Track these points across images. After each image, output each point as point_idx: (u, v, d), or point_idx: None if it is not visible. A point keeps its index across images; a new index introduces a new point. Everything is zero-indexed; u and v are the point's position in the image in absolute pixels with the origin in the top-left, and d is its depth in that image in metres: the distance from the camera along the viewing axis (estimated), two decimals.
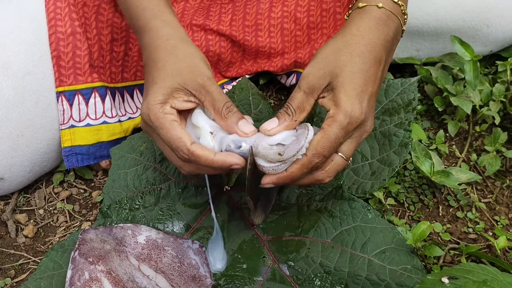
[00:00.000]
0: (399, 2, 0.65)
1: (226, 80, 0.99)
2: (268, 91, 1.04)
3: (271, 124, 0.62)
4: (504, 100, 0.91)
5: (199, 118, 0.64)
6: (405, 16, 0.67)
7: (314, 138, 0.59)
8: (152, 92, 0.62)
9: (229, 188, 0.78)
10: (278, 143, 0.61)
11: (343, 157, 0.62)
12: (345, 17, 0.68)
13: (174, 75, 0.63)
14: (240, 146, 0.62)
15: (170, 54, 0.64)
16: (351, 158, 0.64)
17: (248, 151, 0.62)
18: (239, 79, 0.94)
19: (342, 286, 0.65)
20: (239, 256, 0.71)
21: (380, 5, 0.64)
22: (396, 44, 0.68)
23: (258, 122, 0.84)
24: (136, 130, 0.90)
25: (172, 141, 0.61)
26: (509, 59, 0.92)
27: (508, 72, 0.93)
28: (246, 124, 0.63)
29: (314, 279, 0.67)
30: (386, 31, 0.64)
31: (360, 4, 0.65)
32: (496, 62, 0.96)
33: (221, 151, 0.62)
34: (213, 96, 0.63)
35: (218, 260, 0.71)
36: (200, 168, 0.64)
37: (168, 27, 0.68)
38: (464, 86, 0.92)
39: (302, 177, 0.62)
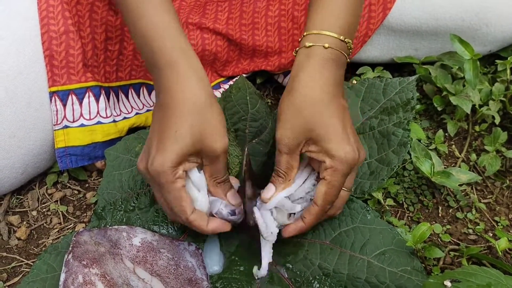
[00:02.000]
0: (345, 40, 0.65)
1: (222, 79, 0.98)
2: (265, 90, 1.03)
3: (269, 192, 0.65)
4: (503, 99, 0.90)
5: (199, 177, 0.65)
6: (350, 51, 0.67)
7: (319, 189, 0.62)
8: (170, 149, 0.60)
9: None
10: (276, 207, 0.65)
11: (346, 190, 0.66)
12: (293, 53, 0.68)
13: (197, 139, 0.61)
14: (234, 214, 0.66)
15: (198, 114, 0.61)
16: (352, 188, 0.68)
17: (238, 219, 0.67)
18: (236, 78, 0.93)
19: None
20: (236, 258, 0.70)
21: (327, 45, 0.64)
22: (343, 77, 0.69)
23: (255, 121, 0.83)
24: (131, 130, 0.88)
25: (174, 206, 0.62)
26: (509, 58, 0.91)
27: (508, 71, 0.92)
28: (234, 196, 0.67)
29: (312, 281, 0.66)
30: (335, 69, 0.65)
31: (307, 44, 0.65)
32: (496, 61, 0.95)
33: (210, 211, 0.66)
34: (218, 168, 0.64)
35: (214, 262, 0.70)
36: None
37: (196, 76, 0.63)
38: (464, 85, 0.91)
39: (316, 223, 0.66)
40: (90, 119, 0.84)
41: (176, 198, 0.61)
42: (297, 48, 0.67)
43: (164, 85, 0.63)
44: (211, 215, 0.67)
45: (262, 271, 0.67)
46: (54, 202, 0.86)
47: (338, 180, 0.61)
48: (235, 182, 0.70)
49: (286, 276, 0.67)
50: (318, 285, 0.65)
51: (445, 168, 0.81)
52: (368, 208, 0.70)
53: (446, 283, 0.49)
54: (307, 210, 0.64)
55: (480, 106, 0.91)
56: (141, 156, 0.64)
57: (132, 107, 0.91)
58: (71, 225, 0.82)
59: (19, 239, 0.81)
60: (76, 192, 0.87)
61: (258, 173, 0.78)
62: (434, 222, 0.78)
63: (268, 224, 0.65)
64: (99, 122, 0.84)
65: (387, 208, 0.79)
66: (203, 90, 0.62)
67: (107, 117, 0.85)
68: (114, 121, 0.86)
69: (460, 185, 0.81)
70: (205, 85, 0.63)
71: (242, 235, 0.72)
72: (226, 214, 0.66)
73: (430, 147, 0.88)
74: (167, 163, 0.59)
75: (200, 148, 0.61)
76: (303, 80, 0.64)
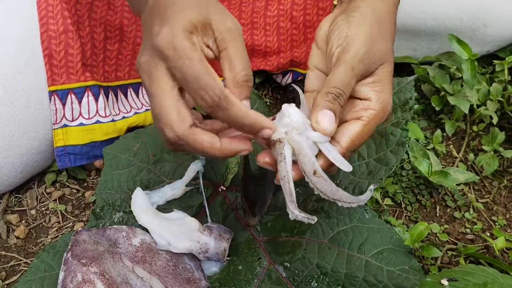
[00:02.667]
0: None
1: (221, 79, 0.98)
2: (264, 90, 1.03)
3: (331, 121, 0.52)
4: (501, 99, 0.91)
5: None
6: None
7: (350, 128, 0.52)
8: (175, 19, 0.48)
9: (224, 189, 0.77)
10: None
11: None
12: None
13: (201, 6, 0.49)
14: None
15: None
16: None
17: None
18: None
19: (339, 287, 0.64)
20: (235, 258, 0.70)
21: None
22: None
23: None
24: (130, 130, 0.88)
25: (200, 76, 0.47)
26: (506, 58, 0.91)
27: (506, 71, 0.92)
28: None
29: (310, 280, 0.66)
30: (394, 9, 0.60)
31: None
32: (494, 61, 0.95)
33: None
34: (238, 49, 0.51)
35: (213, 264, 0.70)
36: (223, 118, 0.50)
37: None
38: (462, 86, 0.92)
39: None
40: (89, 118, 0.84)
41: (200, 63, 0.47)
42: None
43: None
44: None
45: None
46: (53, 201, 0.86)
47: (373, 126, 0.54)
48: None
49: (284, 275, 0.67)
50: (316, 284, 0.65)
51: (443, 168, 0.81)
52: (366, 208, 0.70)
53: (443, 282, 0.50)
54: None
55: (478, 106, 0.91)
56: (141, 51, 0.51)
57: (131, 106, 0.92)
58: (69, 224, 0.82)
59: (17, 238, 0.81)
60: (75, 191, 0.88)
61: (257, 173, 0.78)
62: (431, 222, 0.79)
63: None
64: (98, 122, 0.84)
65: (385, 207, 0.79)
66: None
67: (106, 116, 0.85)
68: (113, 120, 0.86)
69: (458, 184, 0.81)
70: None
71: (240, 234, 0.73)
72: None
73: (428, 147, 0.88)
74: (178, 29, 0.47)
75: (209, 19, 0.50)
76: (374, 10, 0.56)
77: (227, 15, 0.51)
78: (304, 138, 0.51)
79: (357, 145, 0.53)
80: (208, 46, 0.51)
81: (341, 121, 0.54)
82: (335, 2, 0.60)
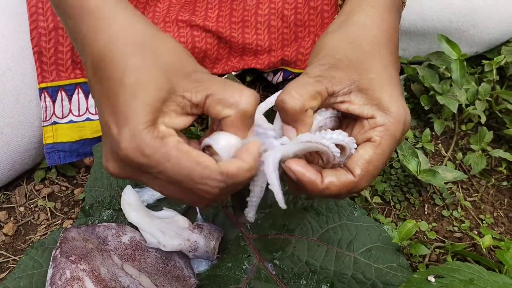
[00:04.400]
0: None
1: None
2: (255, 88, 1.04)
3: (292, 131, 0.48)
4: (490, 99, 0.91)
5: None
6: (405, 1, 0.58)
7: (361, 154, 0.46)
8: (131, 114, 0.41)
9: None
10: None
11: None
12: (339, 0, 0.58)
13: (158, 81, 0.42)
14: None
15: (145, 54, 0.44)
16: None
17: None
18: (225, 76, 0.94)
19: (328, 285, 0.65)
20: (224, 255, 0.70)
21: None
22: None
23: None
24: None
25: (190, 172, 0.41)
26: (495, 59, 0.92)
27: (494, 71, 0.93)
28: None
29: (299, 278, 0.66)
30: (394, 17, 0.54)
31: None
32: (482, 61, 0.96)
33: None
34: (220, 84, 0.44)
35: (202, 263, 0.70)
36: (235, 189, 0.47)
37: (124, 14, 0.47)
38: (451, 85, 0.93)
39: (332, 197, 0.48)
40: (79, 115, 0.84)
41: (181, 160, 0.41)
42: None
43: (89, 40, 0.45)
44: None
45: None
46: (42, 198, 0.85)
47: (389, 146, 0.46)
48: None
49: (274, 272, 0.67)
50: (305, 282, 0.66)
51: (431, 166, 0.82)
52: (355, 206, 0.70)
53: (430, 278, 0.50)
54: (334, 175, 0.46)
55: (467, 105, 0.92)
56: (105, 153, 0.44)
57: None
58: (58, 221, 0.82)
59: (6, 235, 0.80)
60: (64, 188, 0.87)
61: None
62: (420, 220, 0.79)
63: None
64: (88, 119, 0.84)
65: (374, 205, 0.80)
66: (139, 24, 0.46)
67: (96, 113, 0.85)
68: None
69: (446, 183, 0.82)
70: (140, 19, 0.47)
71: (230, 232, 0.73)
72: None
73: (417, 146, 0.89)
74: (137, 128, 0.40)
75: (171, 87, 0.43)
76: (362, 18, 0.51)
77: (190, 66, 0.45)
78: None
79: (373, 172, 0.46)
80: (187, 113, 0.44)
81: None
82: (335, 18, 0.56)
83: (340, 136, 0.46)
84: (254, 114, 0.45)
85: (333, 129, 0.49)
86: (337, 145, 0.46)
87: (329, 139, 0.46)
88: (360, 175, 0.46)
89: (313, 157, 0.50)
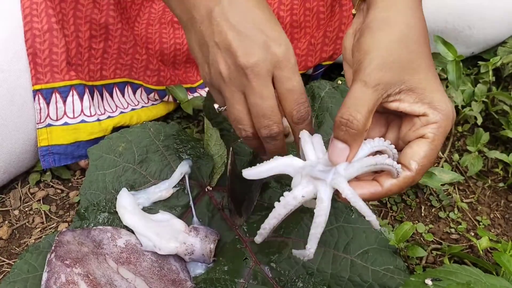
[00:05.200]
0: None
1: None
2: None
3: (343, 152, 0.49)
4: (486, 100, 0.92)
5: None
6: None
7: (416, 150, 0.49)
8: (284, 41, 0.53)
9: (210, 189, 0.77)
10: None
11: None
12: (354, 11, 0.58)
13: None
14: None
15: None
16: None
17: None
18: None
19: (325, 287, 0.64)
20: (221, 258, 0.70)
21: None
22: None
23: None
24: (116, 129, 0.87)
25: (301, 94, 0.53)
26: (491, 60, 0.92)
27: (490, 72, 0.93)
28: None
29: (296, 280, 0.66)
30: (421, 8, 0.54)
31: None
32: (479, 62, 0.96)
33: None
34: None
35: (198, 266, 0.70)
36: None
37: None
38: (447, 86, 0.93)
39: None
40: (74, 117, 0.83)
41: (302, 84, 0.53)
42: None
43: None
44: None
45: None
46: (37, 201, 0.85)
47: (441, 142, 0.49)
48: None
49: (270, 275, 0.67)
50: (302, 284, 0.65)
51: None
52: (352, 208, 0.70)
53: (427, 281, 0.50)
54: (388, 175, 0.50)
55: (463, 107, 0.92)
56: (243, 46, 0.52)
57: (116, 106, 0.91)
58: (53, 225, 0.81)
59: (0, 238, 0.79)
60: (59, 191, 0.87)
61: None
62: (417, 222, 0.79)
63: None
64: (83, 121, 0.84)
65: (371, 207, 0.79)
66: None
67: (91, 115, 0.84)
68: (98, 120, 0.85)
69: (443, 185, 0.82)
70: None
71: (226, 235, 0.72)
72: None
73: None
74: (292, 50, 0.53)
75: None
76: (402, 18, 0.50)
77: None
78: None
79: (428, 166, 0.50)
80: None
81: (404, 143, 0.51)
82: (353, 12, 0.57)
83: (382, 142, 0.50)
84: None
85: None
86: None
87: (372, 148, 0.50)
88: (418, 170, 0.49)
89: None
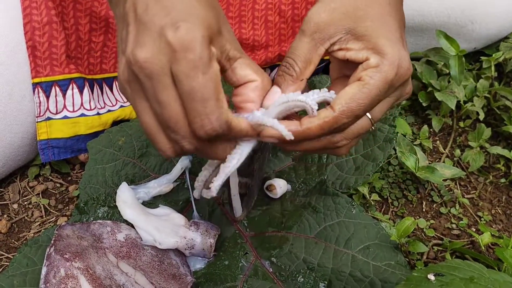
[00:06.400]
0: None
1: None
2: None
3: (273, 95, 0.48)
4: (488, 96, 0.91)
5: None
6: None
7: (346, 90, 0.46)
8: (191, 14, 0.41)
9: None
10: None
11: (370, 120, 0.49)
12: None
13: (215, 9, 0.44)
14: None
15: None
16: (375, 125, 0.51)
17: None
18: None
19: (326, 282, 0.64)
20: (221, 253, 0.69)
21: None
22: None
23: None
24: (116, 123, 0.87)
25: (208, 101, 0.41)
26: (493, 55, 0.92)
27: (492, 68, 0.93)
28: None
29: (297, 275, 0.65)
30: None
31: None
32: (481, 58, 0.96)
33: None
34: (248, 58, 0.48)
35: (198, 261, 0.70)
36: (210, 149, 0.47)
37: None
38: (449, 82, 0.92)
39: (316, 138, 0.48)
40: (73, 111, 0.83)
41: (212, 92, 0.41)
42: None
43: None
44: None
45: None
46: (36, 195, 0.84)
47: (377, 86, 0.46)
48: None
49: (271, 270, 0.67)
50: (302, 279, 0.65)
51: (429, 163, 0.81)
52: (353, 203, 0.70)
53: (430, 276, 0.50)
54: (314, 116, 0.47)
55: (465, 102, 0.91)
56: (140, 39, 0.41)
57: (116, 99, 0.90)
58: (52, 219, 0.81)
59: None
60: (58, 185, 0.86)
61: (244, 167, 0.77)
62: (418, 217, 0.79)
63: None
64: (82, 115, 0.83)
65: (372, 202, 0.79)
66: None
67: (91, 109, 0.84)
68: (98, 113, 0.85)
69: (444, 180, 0.81)
70: None
71: (227, 229, 0.72)
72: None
73: (415, 143, 0.88)
74: (200, 31, 0.40)
75: (220, 29, 0.44)
76: None
77: (228, 23, 0.47)
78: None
79: (355, 110, 0.46)
80: (218, 59, 0.45)
81: None
82: None
83: (319, 93, 0.47)
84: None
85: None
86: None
87: (316, 98, 0.47)
88: (340, 110, 0.46)
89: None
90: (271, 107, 0.48)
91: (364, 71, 0.46)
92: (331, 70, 0.54)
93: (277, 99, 0.48)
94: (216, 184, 0.49)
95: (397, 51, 0.46)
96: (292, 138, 0.46)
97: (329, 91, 0.49)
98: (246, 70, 0.47)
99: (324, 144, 0.49)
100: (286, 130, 0.46)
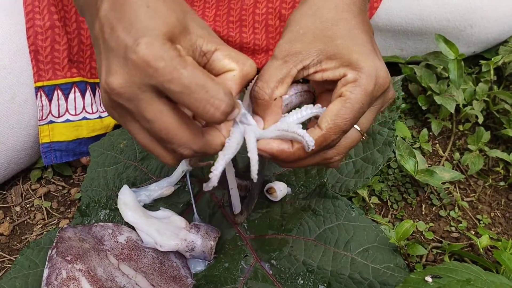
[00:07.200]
0: None
1: None
2: None
3: (259, 125, 0.49)
4: (487, 99, 0.91)
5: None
6: None
7: (330, 108, 0.47)
8: (152, 27, 0.40)
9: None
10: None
11: (359, 131, 0.51)
12: None
13: (177, 14, 0.43)
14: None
15: None
16: (365, 134, 0.53)
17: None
18: None
19: (325, 285, 0.65)
20: (221, 256, 0.70)
21: None
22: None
23: None
24: (117, 126, 0.88)
25: (205, 83, 0.40)
26: (492, 59, 0.92)
27: (492, 71, 0.93)
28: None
29: (296, 278, 0.66)
30: None
31: None
32: (480, 61, 0.96)
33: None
34: (228, 47, 0.46)
35: (199, 263, 0.70)
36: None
37: None
38: (448, 85, 0.92)
39: (308, 156, 0.49)
40: (75, 114, 0.83)
41: (204, 77, 0.41)
42: None
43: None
44: None
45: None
46: (38, 197, 0.85)
47: (359, 100, 0.47)
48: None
49: (271, 272, 0.67)
50: (302, 282, 0.65)
51: (428, 166, 0.82)
52: (352, 206, 0.70)
53: (427, 278, 0.50)
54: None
55: (464, 105, 0.92)
56: (108, 67, 0.42)
57: None
58: (55, 221, 0.82)
59: (2, 234, 0.80)
60: (60, 188, 0.87)
61: (243, 169, 0.78)
62: (417, 220, 0.79)
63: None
64: (84, 118, 0.84)
65: (372, 205, 0.79)
66: None
67: (93, 113, 0.84)
68: (100, 117, 0.85)
69: (443, 183, 0.82)
70: None
71: (227, 232, 0.73)
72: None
73: (414, 146, 0.89)
74: (160, 38, 0.40)
75: (186, 26, 0.43)
76: None
77: (199, 18, 0.47)
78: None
79: (342, 125, 0.47)
80: (192, 57, 0.44)
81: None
82: None
83: (308, 110, 0.49)
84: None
85: (300, 105, 0.51)
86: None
87: (301, 118, 0.48)
88: (327, 127, 0.47)
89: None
90: (270, 128, 0.49)
91: (344, 86, 0.48)
92: (314, 87, 0.55)
93: (278, 124, 0.49)
94: (216, 172, 0.48)
95: (372, 63, 0.47)
96: (255, 178, 0.46)
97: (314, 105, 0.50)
98: (223, 61, 0.46)
99: (317, 160, 0.51)
100: (256, 170, 0.46)
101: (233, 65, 0.46)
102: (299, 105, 0.52)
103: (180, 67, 0.40)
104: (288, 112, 0.51)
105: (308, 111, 0.49)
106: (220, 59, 0.46)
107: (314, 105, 0.50)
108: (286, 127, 0.48)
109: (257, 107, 0.49)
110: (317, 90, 0.55)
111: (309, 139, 0.47)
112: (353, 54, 0.48)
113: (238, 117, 0.47)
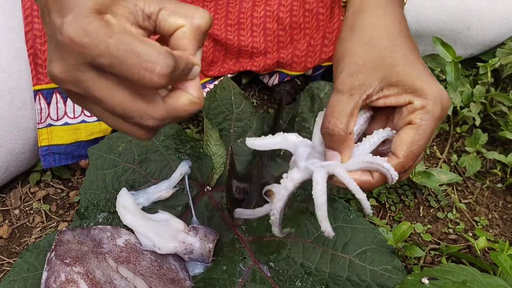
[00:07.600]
0: None
1: (208, 79, 0.98)
2: (251, 90, 1.04)
3: (336, 159, 0.51)
4: (484, 101, 0.92)
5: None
6: None
7: (403, 137, 0.50)
8: (77, 2, 0.38)
9: (210, 189, 0.78)
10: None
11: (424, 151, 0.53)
12: (342, 2, 0.60)
13: None
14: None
15: None
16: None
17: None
18: (221, 78, 0.94)
19: (323, 287, 0.65)
20: (219, 258, 0.70)
21: None
22: None
23: (240, 121, 0.83)
24: (115, 129, 0.88)
25: (135, 48, 0.37)
26: (489, 61, 0.93)
27: (489, 74, 0.93)
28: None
29: (295, 280, 0.66)
30: (397, 7, 0.57)
31: None
32: (477, 64, 0.96)
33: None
34: (172, 3, 0.43)
35: (197, 266, 0.70)
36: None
37: None
38: (445, 87, 0.93)
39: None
40: (74, 117, 0.83)
41: (136, 40, 0.38)
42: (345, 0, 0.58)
43: None
44: None
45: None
46: (37, 200, 0.85)
47: (430, 126, 0.49)
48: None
49: (269, 274, 0.67)
50: (300, 284, 0.66)
51: (426, 168, 0.82)
52: (350, 208, 0.71)
53: (424, 280, 0.50)
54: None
55: (461, 108, 0.92)
56: (49, 56, 0.40)
57: None
58: (53, 224, 0.82)
59: (0, 237, 0.80)
60: (59, 191, 0.87)
61: (242, 173, 0.78)
62: (415, 222, 0.80)
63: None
64: (83, 121, 0.84)
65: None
66: None
67: (91, 116, 0.85)
68: (98, 120, 0.86)
69: (441, 185, 0.82)
70: None
71: (225, 234, 0.73)
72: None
73: None
74: (84, 13, 0.38)
75: None
76: (368, 20, 0.53)
77: None
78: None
79: (417, 152, 0.50)
80: (136, 23, 0.41)
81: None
82: (342, 18, 0.59)
83: (379, 135, 0.51)
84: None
85: (366, 128, 0.54)
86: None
87: (373, 145, 0.51)
88: (404, 155, 0.49)
89: None
90: (353, 161, 0.50)
91: (412, 114, 0.50)
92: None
93: (363, 157, 0.50)
94: (273, 218, 0.53)
95: (435, 89, 0.50)
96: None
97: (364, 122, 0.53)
98: (170, 19, 0.42)
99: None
100: (364, 197, 0.49)
101: (181, 21, 0.42)
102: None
103: (105, 37, 0.37)
104: (359, 139, 0.53)
105: (379, 136, 0.51)
106: (166, 18, 0.42)
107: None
108: (371, 159, 0.49)
109: (332, 143, 0.50)
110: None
111: (394, 173, 0.49)
112: (416, 81, 0.50)
113: (303, 162, 0.50)
